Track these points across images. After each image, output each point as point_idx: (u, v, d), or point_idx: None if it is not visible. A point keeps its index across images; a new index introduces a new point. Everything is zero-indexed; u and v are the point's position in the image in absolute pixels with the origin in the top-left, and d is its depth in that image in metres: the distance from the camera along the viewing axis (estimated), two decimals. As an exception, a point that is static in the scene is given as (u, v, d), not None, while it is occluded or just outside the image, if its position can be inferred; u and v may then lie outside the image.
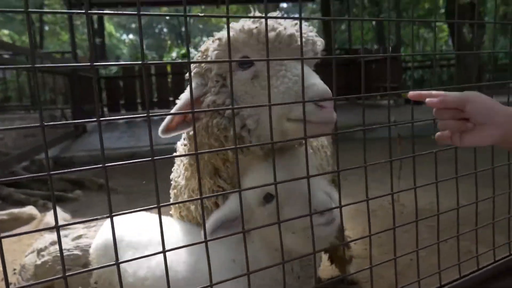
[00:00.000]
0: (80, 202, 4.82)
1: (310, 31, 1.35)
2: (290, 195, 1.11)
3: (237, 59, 1.26)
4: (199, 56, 1.43)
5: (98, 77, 13.33)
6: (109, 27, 35.69)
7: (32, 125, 0.78)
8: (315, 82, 1.13)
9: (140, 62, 0.88)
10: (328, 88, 1.14)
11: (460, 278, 1.40)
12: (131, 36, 45.17)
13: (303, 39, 1.27)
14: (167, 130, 1.32)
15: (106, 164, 0.85)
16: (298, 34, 1.25)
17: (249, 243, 1.07)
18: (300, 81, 1.13)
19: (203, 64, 1.37)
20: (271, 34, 1.23)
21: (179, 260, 1.36)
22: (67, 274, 0.79)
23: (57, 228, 0.79)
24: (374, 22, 24.14)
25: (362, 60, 1.25)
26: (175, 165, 1.72)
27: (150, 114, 0.90)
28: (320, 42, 1.35)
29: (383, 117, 1.17)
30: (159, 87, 13.78)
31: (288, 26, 1.27)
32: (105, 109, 13.75)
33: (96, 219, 0.82)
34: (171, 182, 1.72)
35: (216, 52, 1.29)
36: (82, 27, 28.10)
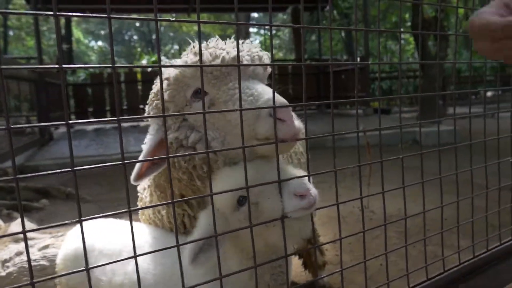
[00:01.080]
0: (47, 212, 4.67)
1: (254, 47, 1.39)
2: (263, 189, 1.09)
3: (192, 91, 1.32)
4: (153, 98, 1.46)
5: (66, 84, 13.04)
6: (77, 33, 35.01)
7: (-2, 127, 0.76)
8: (270, 96, 1.14)
9: (110, 65, 0.87)
10: (284, 99, 1.16)
11: (427, 280, 1.44)
12: (100, 43, 44.47)
13: (249, 57, 1.32)
14: (138, 177, 1.35)
15: (75, 168, 0.83)
16: (242, 54, 1.30)
17: (221, 255, 1.06)
18: (256, 98, 1.19)
19: (159, 105, 1.41)
20: (216, 62, 1.27)
21: (156, 263, 1.35)
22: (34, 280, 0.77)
23: (24, 233, 0.77)
24: (343, 34, 24.65)
25: (331, 68, 1.27)
26: None
27: (120, 118, 0.89)
28: (266, 56, 1.38)
29: (352, 126, 1.20)
30: (129, 95, 13.60)
31: (230, 50, 1.31)
32: (73, 117, 13.45)
33: (66, 224, 0.80)
34: (138, 194, 1.72)
35: (168, 91, 1.34)
36: (48, 33, 27.46)
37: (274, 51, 1.16)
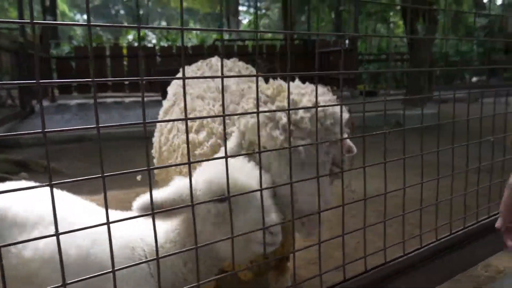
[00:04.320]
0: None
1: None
2: (246, 205, 1.12)
3: None
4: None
5: (49, 57, 12.64)
6: (61, 5, 34.12)
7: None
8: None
9: (133, 25, 0.84)
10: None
11: (404, 255, 1.46)
12: (85, 16, 43.35)
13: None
14: None
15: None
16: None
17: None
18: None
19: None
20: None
21: (71, 243, 1.24)
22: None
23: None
24: (333, 15, 24.46)
25: (352, 37, 1.25)
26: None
27: (142, 78, 0.86)
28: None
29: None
30: (114, 70, 13.32)
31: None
32: (56, 91, 13.09)
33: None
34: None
35: None
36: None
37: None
